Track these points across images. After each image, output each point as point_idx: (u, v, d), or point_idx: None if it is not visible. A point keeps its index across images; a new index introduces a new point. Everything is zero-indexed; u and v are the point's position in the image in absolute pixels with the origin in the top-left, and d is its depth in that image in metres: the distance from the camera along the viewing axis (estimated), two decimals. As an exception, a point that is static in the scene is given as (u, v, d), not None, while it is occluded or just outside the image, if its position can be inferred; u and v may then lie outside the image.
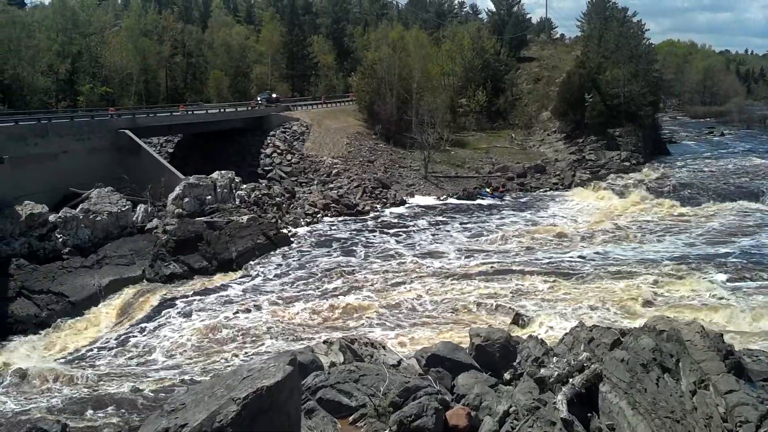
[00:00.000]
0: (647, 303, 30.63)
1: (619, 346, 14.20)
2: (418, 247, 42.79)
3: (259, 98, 71.31)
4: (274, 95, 72.93)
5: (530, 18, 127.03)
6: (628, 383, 12.58)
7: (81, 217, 38.49)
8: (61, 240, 36.88)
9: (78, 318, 30.69)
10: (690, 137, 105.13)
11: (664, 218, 50.18)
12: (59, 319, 30.25)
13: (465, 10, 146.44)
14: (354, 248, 42.58)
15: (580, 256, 39.80)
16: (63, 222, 37.56)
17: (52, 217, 37.45)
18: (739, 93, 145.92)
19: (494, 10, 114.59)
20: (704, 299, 31.43)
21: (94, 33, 75.71)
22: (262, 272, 37.51)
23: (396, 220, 50.50)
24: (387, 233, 46.46)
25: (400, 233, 46.52)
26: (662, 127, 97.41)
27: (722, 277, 34.85)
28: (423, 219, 51.00)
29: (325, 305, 31.56)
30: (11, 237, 35.14)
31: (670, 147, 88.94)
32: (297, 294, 33.64)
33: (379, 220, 50.74)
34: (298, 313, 30.66)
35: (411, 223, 49.47)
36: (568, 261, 38.94)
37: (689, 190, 59.04)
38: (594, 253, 40.59)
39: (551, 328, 26.97)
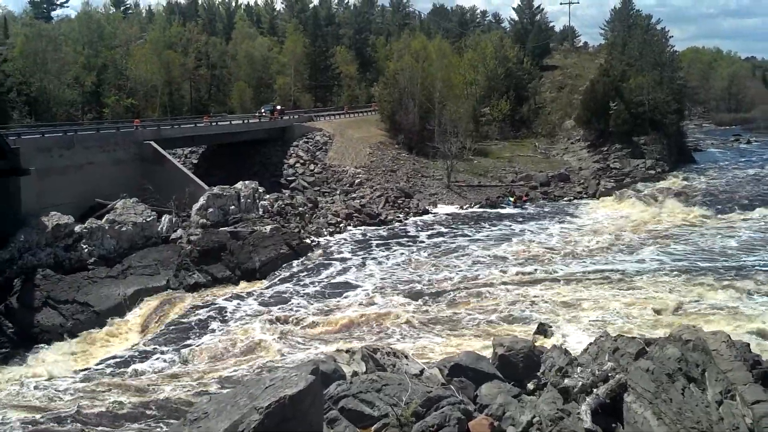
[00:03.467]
0: (673, 312, 30.25)
1: (644, 355, 14.07)
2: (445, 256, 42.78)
3: (263, 110, 71.33)
4: (279, 107, 72.90)
5: (553, 26, 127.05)
6: (653, 393, 12.45)
7: (106, 227, 38.83)
8: (86, 250, 37.22)
9: (103, 328, 30.94)
10: (716, 145, 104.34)
11: (691, 226, 49.54)
12: (84, 329, 30.51)
13: (488, 19, 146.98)
14: (382, 256, 42.64)
15: (606, 264, 39.49)
16: (88, 232, 37.92)
17: (77, 228, 37.82)
18: (765, 100, 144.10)
19: (517, 18, 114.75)
20: (731, 308, 30.97)
21: (119, 46, 76.92)
22: (285, 281, 37.57)
23: (422, 231, 50.42)
24: (420, 240, 46.67)
25: (432, 239, 46.65)
26: (687, 135, 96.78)
27: (751, 285, 34.34)
28: (450, 227, 50.99)
29: (352, 314, 31.58)
30: (37, 247, 35.54)
31: (696, 155, 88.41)
32: (322, 303, 33.66)
33: (403, 229, 50.77)
34: (321, 323, 30.68)
35: (445, 231, 49.58)
36: (593, 270, 38.61)
37: (716, 199, 58.36)
38: (623, 261, 40.26)
39: (571, 336, 26.69)
